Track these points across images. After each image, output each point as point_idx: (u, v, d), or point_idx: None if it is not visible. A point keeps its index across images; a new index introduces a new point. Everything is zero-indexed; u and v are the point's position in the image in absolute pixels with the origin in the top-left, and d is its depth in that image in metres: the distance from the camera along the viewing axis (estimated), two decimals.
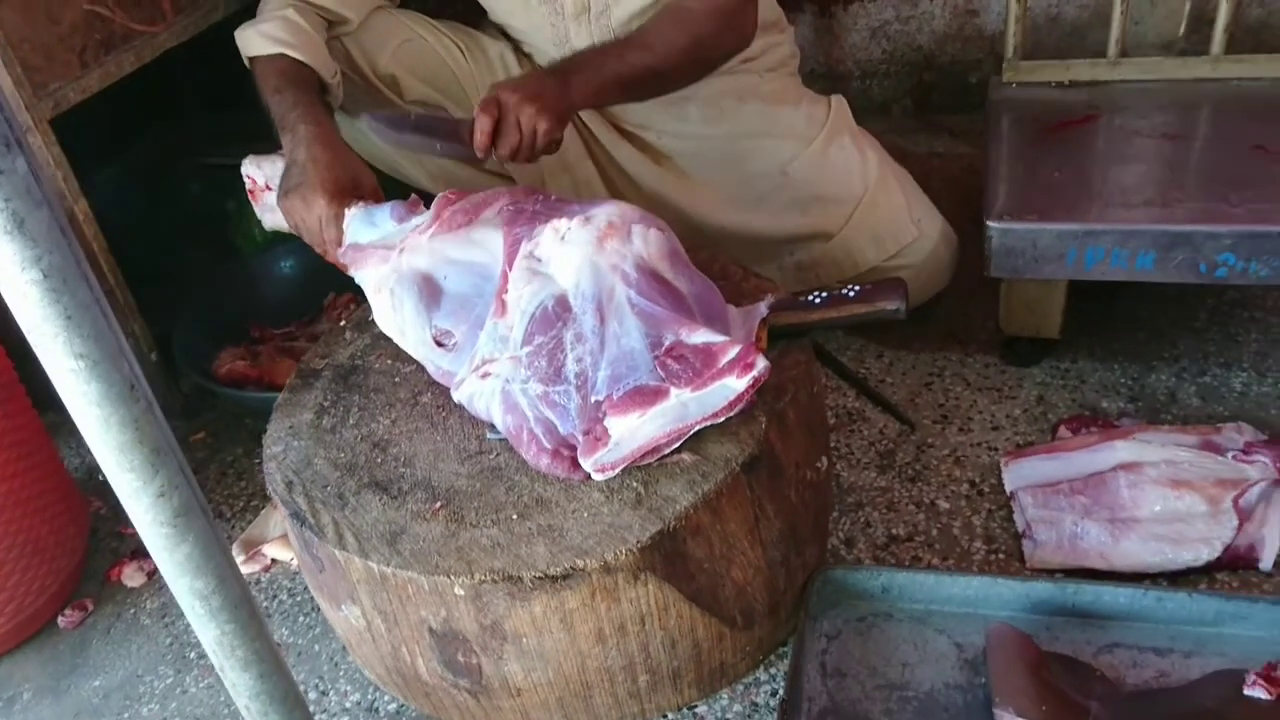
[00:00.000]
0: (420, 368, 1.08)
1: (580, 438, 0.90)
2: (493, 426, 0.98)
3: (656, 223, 1.03)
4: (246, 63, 1.30)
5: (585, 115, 1.45)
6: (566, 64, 1.24)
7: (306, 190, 1.16)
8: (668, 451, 0.90)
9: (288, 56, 1.26)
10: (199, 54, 1.57)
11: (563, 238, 1.01)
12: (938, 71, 2.00)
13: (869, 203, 1.40)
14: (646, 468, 0.91)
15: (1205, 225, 1.16)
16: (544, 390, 0.92)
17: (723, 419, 0.90)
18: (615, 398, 0.89)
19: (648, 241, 1.00)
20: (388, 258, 1.07)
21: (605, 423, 0.89)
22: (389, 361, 1.12)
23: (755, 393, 0.90)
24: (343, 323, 1.19)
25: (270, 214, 1.28)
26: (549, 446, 0.91)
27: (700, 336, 0.91)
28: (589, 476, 0.91)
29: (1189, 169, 1.30)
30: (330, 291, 1.60)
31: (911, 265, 1.38)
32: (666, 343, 0.92)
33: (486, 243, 1.08)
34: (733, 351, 0.90)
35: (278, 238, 1.66)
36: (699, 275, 1.03)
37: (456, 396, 1.01)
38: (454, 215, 1.08)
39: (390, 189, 1.27)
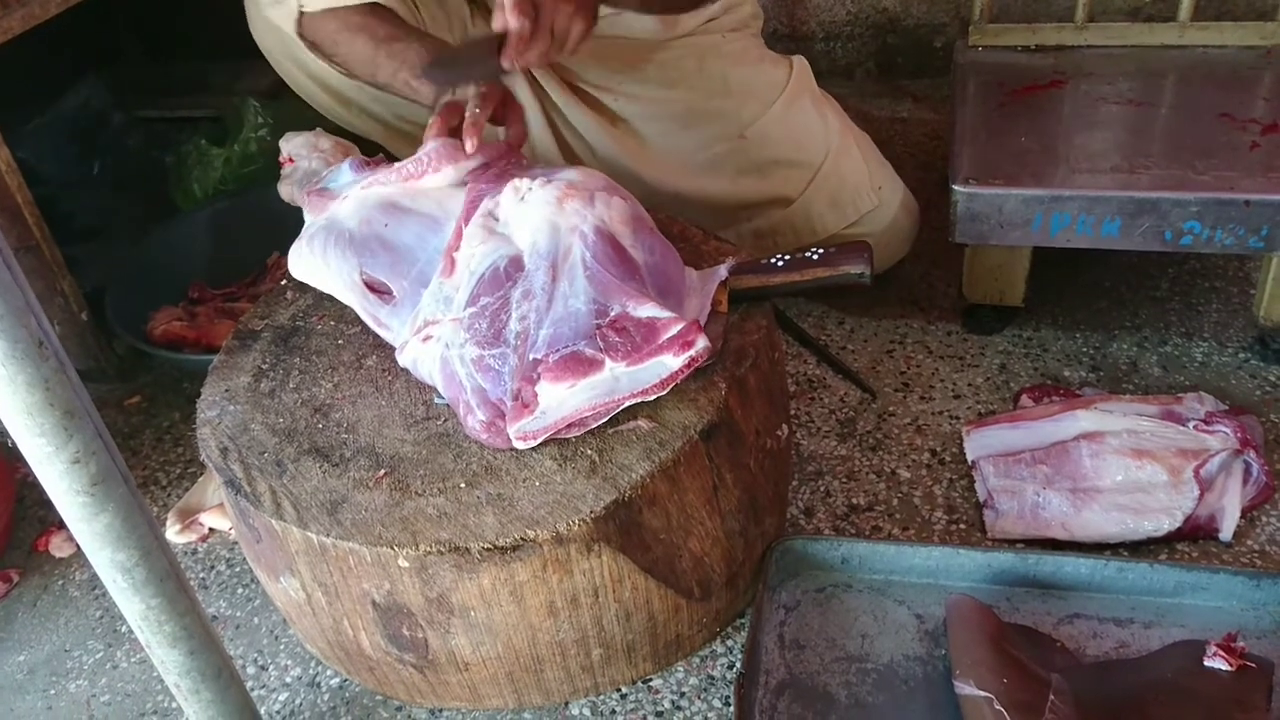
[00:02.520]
0: (365, 329, 1.03)
1: (509, 402, 0.86)
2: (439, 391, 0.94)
3: (621, 191, 1.00)
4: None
5: (541, 78, 1.40)
6: None
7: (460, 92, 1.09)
8: (593, 425, 0.87)
9: (346, 9, 1.17)
10: (134, 4, 1.49)
11: (522, 197, 0.97)
12: (902, 34, 1.96)
13: (829, 168, 1.37)
14: (603, 434, 0.88)
15: (1171, 192, 1.14)
16: (479, 354, 0.88)
17: (652, 396, 0.87)
18: (551, 360, 0.86)
19: (610, 206, 0.97)
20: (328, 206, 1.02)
21: (536, 387, 0.85)
22: (332, 323, 1.07)
23: (692, 371, 0.87)
24: (284, 282, 1.14)
25: (285, 187, 1.25)
26: (484, 419, 0.87)
27: (646, 311, 0.88)
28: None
29: (1155, 136, 1.28)
30: (275, 250, 1.53)
31: (872, 233, 1.35)
32: (613, 313, 0.89)
33: (442, 197, 1.03)
34: (675, 329, 0.87)
35: (219, 193, 1.61)
36: (661, 243, 0.99)
37: (401, 360, 0.97)
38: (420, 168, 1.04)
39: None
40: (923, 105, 1.90)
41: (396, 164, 1.05)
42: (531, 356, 0.88)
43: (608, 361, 0.87)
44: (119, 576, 0.72)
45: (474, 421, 0.88)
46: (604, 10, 1.32)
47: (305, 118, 1.62)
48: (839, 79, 1.99)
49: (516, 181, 0.99)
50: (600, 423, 0.88)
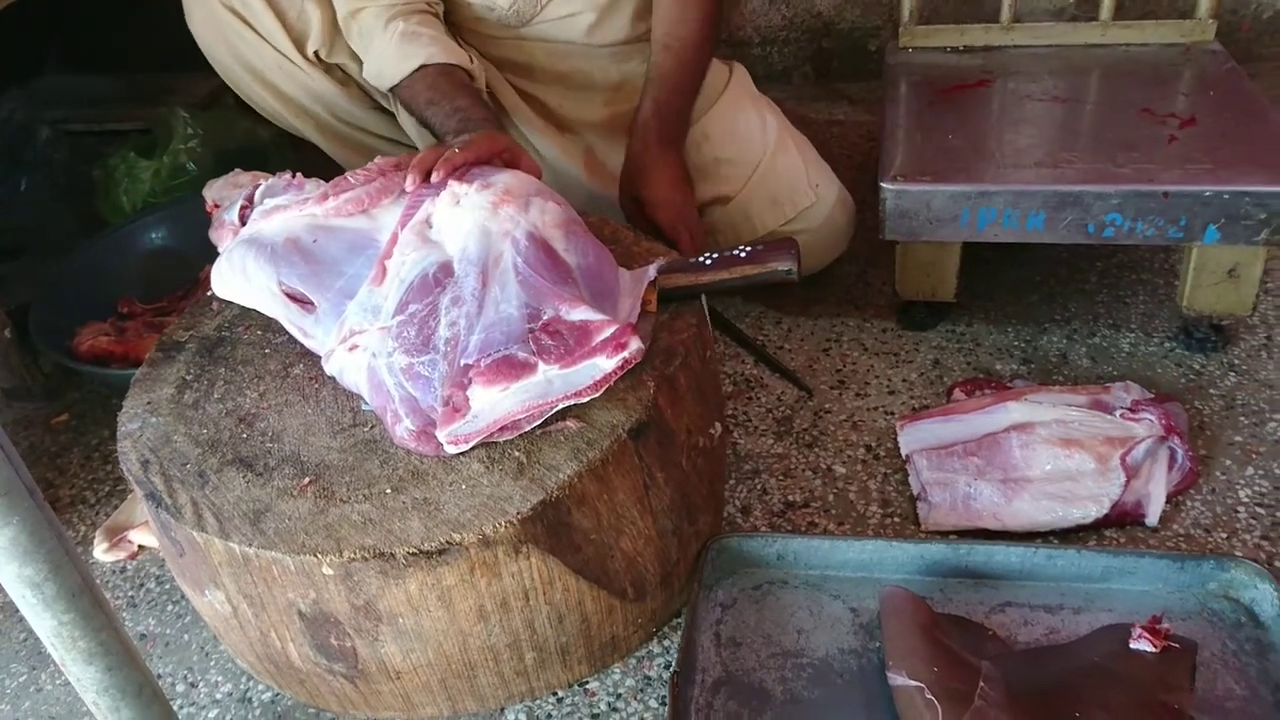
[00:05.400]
0: (292, 338, 1.02)
1: (439, 408, 0.85)
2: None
3: (554, 196, 1.00)
4: (391, 96, 1.27)
5: (497, 89, 1.39)
6: (648, 150, 1.26)
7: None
8: (526, 428, 0.86)
9: (426, 67, 1.19)
10: (58, 14, 1.46)
11: (458, 202, 0.97)
12: (837, 38, 1.99)
13: (767, 166, 1.38)
14: (531, 436, 0.87)
15: (1093, 185, 1.16)
16: (409, 362, 0.88)
17: (586, 399, 0.87)
18: (484, 365, 0.85)
19: (544, 211, 0.97)
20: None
21: (469, 392, 0.85)
22: (259, 332, 1.05)
23: (624, 373, 0.87)
24: (210, 293, 1.12)
25: (214, 232, 1.22)
26: (413, 427, 0.86)
27: (579, 314, 0.88)
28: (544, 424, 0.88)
29: (1079, 131, 1.31)
30: (206, 264, 1.50)
31: (808, 229, 1.36)
32: (545, 316, 0.88)
33: (377, 213, 1.02)
34: (608, 331, 0.87)
35: (148, 207, 1.58)
36: (595, 245, 0.99)
37: (327, 369, 0.95)
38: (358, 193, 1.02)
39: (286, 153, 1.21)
40: (859, 108, 1.92)
41: (330, 198, 1.01)
42: (462, 362, 0.87)
43: (540, 365, 0.86)
44: (28, 592, 0.70)
45: (402, 430, 0.87)
46: (559, 13, 1.33)
47: (236, 128, 1.61)
48: (776, 83, 2.00)
49: (455, 186, 0.98)
50: (532, 426, 0.87)
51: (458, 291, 0.91)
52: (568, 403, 0.87)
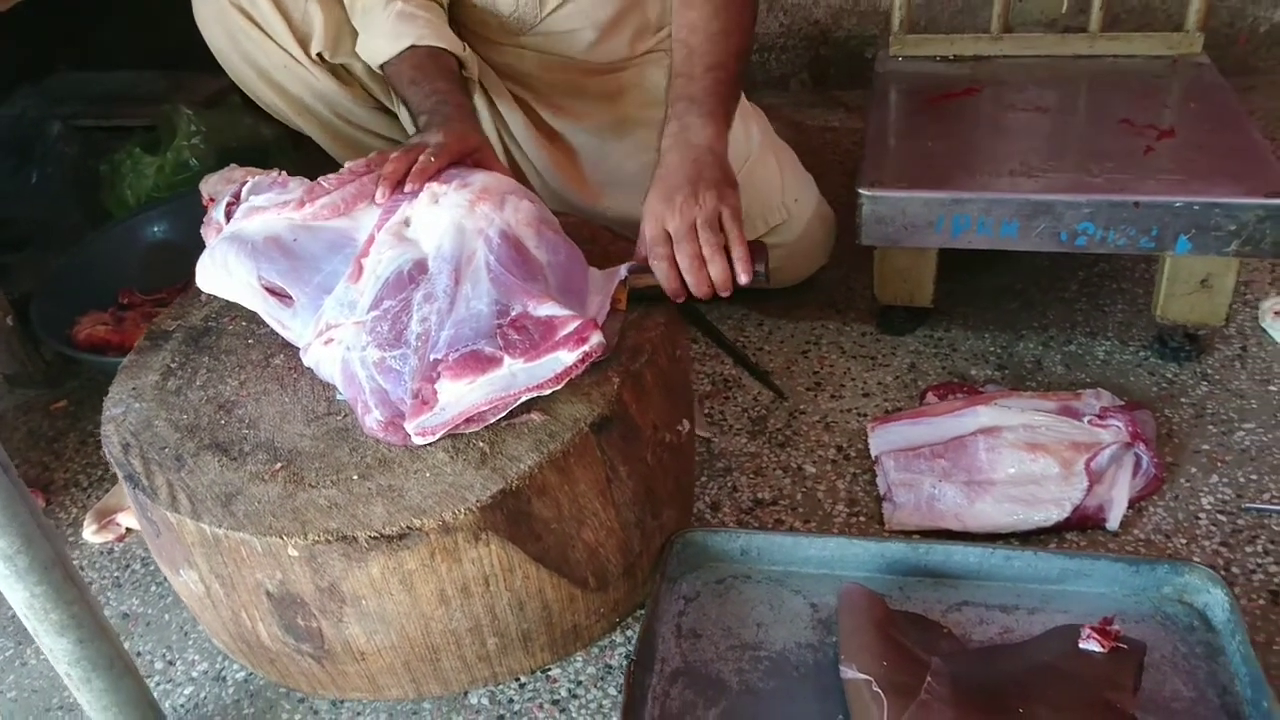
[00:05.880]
0: (274, 330, 1.05)
1: (409, 400, 0.88)
2: None
3: (528, 195, 1.03)
4: (378, 71, 1.26)
5: (495, 96, 1.41)
6: (682, 147, 1.08)
7: (426, 137, 1.08)
8: (491, 420, 0.89)
9: (416, 47, 1.20)
10: (71, 14, 1.51)
11: (437, 201, 1.00)
12: (834, 46, 2.01)
13: (745, 178, 1.37)
14: (495, 427, 0.90)
15: (1065, 195, 1.18)
16: (380, 356, 0.91)
17: (548, 390, 0.89)
18: (452, 359, 0.88)
19: (518, 209, 1.00)
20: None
21: (436, 385, 0.87)
22: (243, 323, 1.08)
23: (587, 366, 0.90)
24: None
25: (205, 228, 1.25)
26: (382, 418, 0.89)
27: (545, 310, 0.91)
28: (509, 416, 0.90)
29: (1057, 141, 1.32)
30: None
31: (784, 243, 1.38)
32: (514, 312, 0.91)
33: (359, 213, 1.05)
34: (571, 326, 0.89)
35: (152, 201, 1.62)
36: (565, 244, 1.02)
37: (305, 361, 0.99)
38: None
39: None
40: (854, 115, 1.94)
41: (306, 204, 1.03)
42: (432, 357, 0.90)
43: (506, 359, 0.89)
44: (1, 564, 0.74)
45: (372, 420, 0.90)
46: (560, 26, 1.34)
47: (238, 126, 1.65)
48: (774, 89, 2.03)
49: (434, 186, 1.01)
50: (497, 417, 0.90)
51: (430, 288, 0.94)
52: (530, 395, 0.89)
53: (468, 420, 0.89)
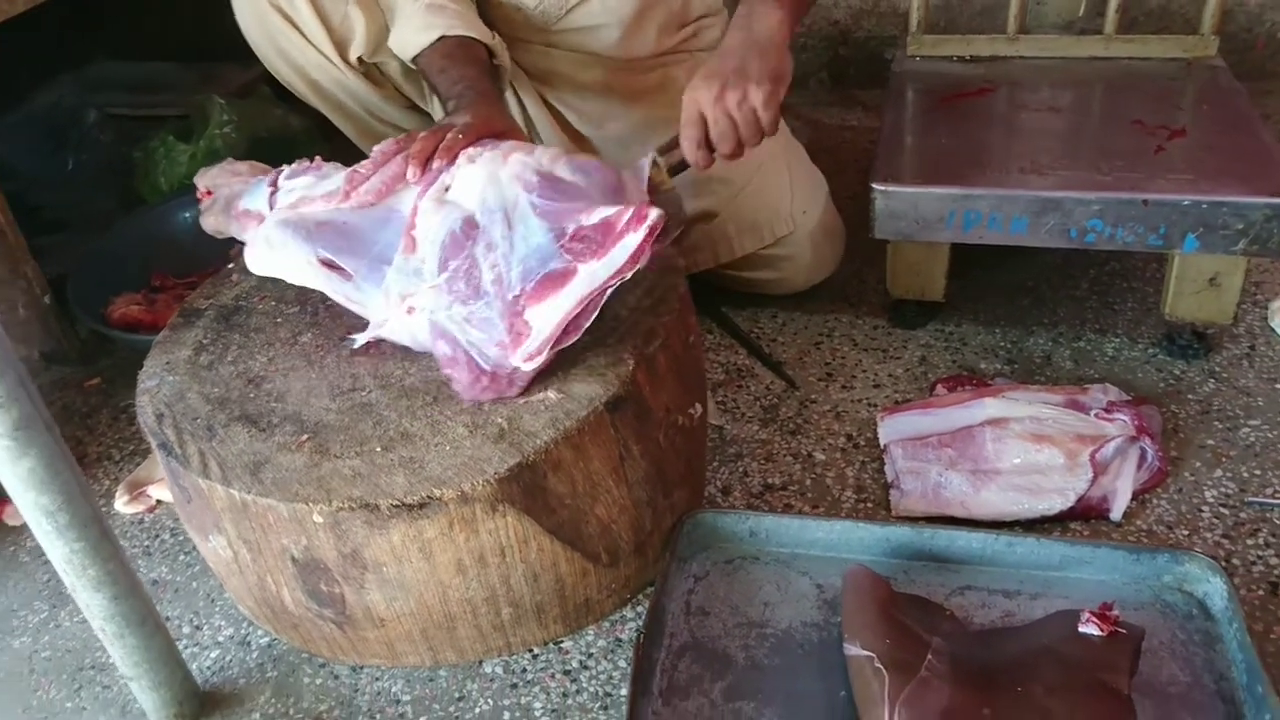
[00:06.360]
0: (303, 309, 1.09)
1: (507, 339, 0.91)
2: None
3: (552, 149, 1.06)
4: (411, 65, 1.29)
5: (523, 93, 1.44)
6: (742, 39, 1.11)
7: (454, 119, 1.11)
8: (586, 324, 0.92)
9: (446, 38, 1.23)
10: (110, 5, 1.55)
11: (473, 160, 1.02)
12: (853, 46, 2.03)
13: (753, 187, 1.40)
14: (513, 405, 0.93)
15: (1075, 192, 1.20)
16: (467, 311, 0.93)
17: (629, 273, 0.91)
18: (529, 289, 0.91)
19: (544, 153, 1.03)
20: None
21: (525, 315, 0.91)
22: (273, 303, 1.12)
23: (656, 239, 0.91)
24: (230, 265, 1.19)
25: (208, 219, 1.27)
26: (487, 369, 0.92)
27: (597, 215, 0.93)
28: (523, 392, 0.94)
29: (1068, 140, 1.35)
30: (236, 243, 1.58)
31: (789, 255, 1.40)
32: (570, 231, 0.94)
33: (399, 193, 1.08)
34: (627, 214, 0.91)
35: (184, 188, 1.66)
36: (594, 162, 1.05)
37: (383, 334, 1.00)
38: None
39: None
40: (872, 114, 1.97)
41: (353, 191, 1.06)
42: (511, 295, 0.93)
43: (579, 266, 0.91)
44: (43, 520, 0.78)
45: (472, 373, 0.93)
46: (585, 22, 1.37)
47: (269, 116, 1.69)
48: (794, 89, 2.04)
49: (469, 150, 1.04)
50: (591, 319, 0.92)
51: (489, 238, 0.96)
52: (615, 283, 0.91)
53: (565, 332, 0.91)
